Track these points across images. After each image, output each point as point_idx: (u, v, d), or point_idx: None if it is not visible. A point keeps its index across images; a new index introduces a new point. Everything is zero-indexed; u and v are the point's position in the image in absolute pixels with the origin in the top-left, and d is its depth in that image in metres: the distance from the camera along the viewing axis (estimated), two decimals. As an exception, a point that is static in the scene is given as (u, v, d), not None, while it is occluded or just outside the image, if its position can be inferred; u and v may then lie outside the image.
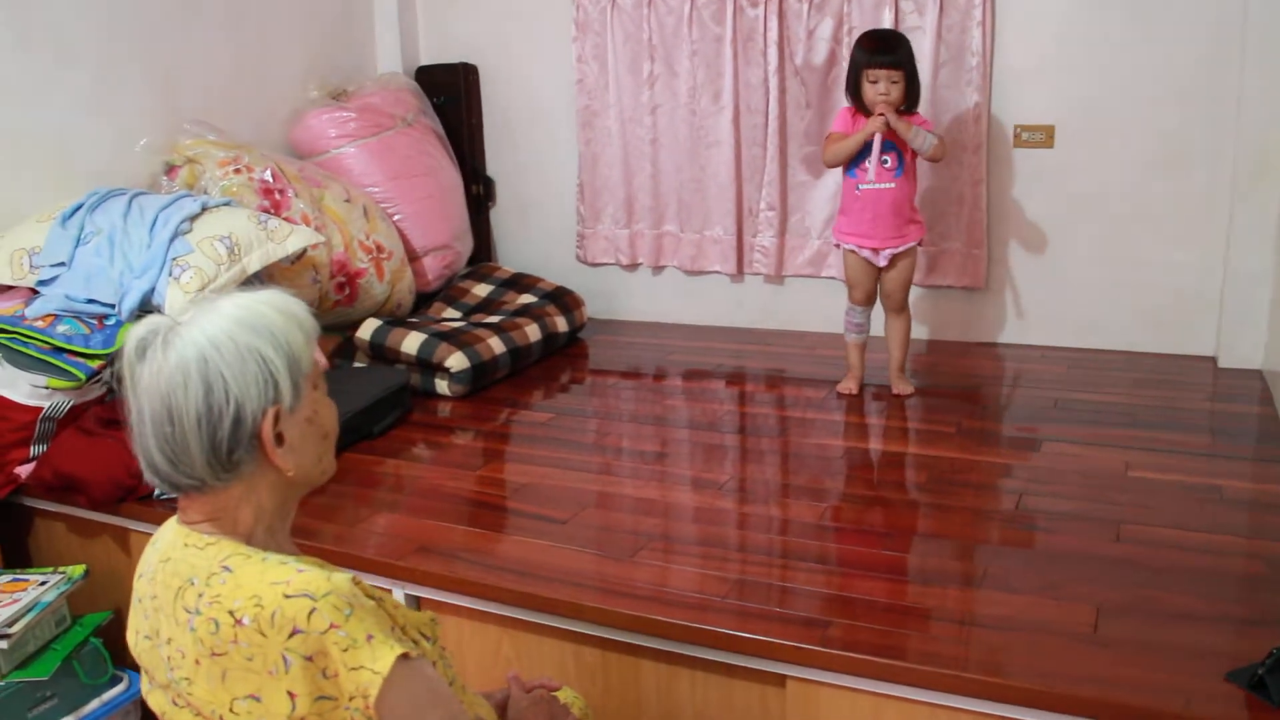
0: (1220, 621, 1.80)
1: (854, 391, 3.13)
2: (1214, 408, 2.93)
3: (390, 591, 2.16)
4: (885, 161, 2.94)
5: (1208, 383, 3.13)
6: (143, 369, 1.20)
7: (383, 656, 1.14)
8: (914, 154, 2.97)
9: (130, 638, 1.31)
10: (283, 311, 1.25)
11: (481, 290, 3.88)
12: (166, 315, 1.24)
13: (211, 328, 1.20)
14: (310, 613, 1.13)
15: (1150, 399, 2.98)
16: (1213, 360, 3.29)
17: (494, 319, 3.57)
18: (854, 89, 2.96)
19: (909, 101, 2.95)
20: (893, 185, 2.96)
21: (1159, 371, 3.23)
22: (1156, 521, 2.20)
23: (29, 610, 2.29)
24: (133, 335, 1.22)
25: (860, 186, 2.99)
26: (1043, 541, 2.15)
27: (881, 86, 2.88)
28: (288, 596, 1.14)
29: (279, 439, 1.23)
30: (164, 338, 1.20)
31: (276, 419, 1.22)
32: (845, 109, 3.04)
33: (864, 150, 2.94)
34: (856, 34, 3.45)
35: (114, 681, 2.30)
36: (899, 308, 3.09)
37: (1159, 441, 2.65)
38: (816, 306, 3.77)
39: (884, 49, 2.90)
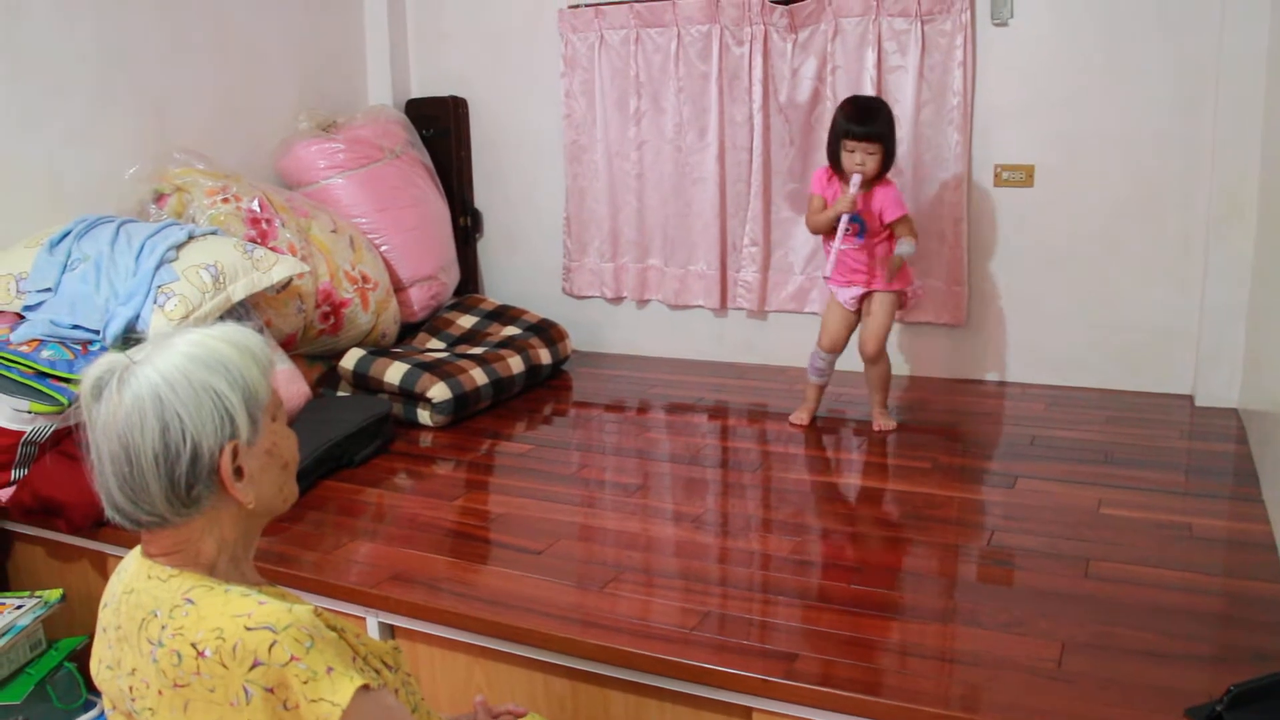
0: (1183, 659, 1.82)
1: (805, 423, 3.20)
2: (1189, 446, 2.96)
3: (364, 620, 2.17)
4: (847, 229, 2.98)
5: (1184, 421, 3.16)
6: (99, 409, 1.21)
7: (342, 688, 1.15)
8: (880, 221, 3.00)
9: (94, 666, 1.32)
10: (237, 346, 1.25)
11: (466, 321, 3.91)
12: (123, 354, 1.24)
13: (166, 366, 1.20)
14: (271, 645, 1.14)
15: (1126, 437, 3.00)
16: (1189, 398, 3.32)
17: (478, 350, 3.60)
18: (834, 152, 3.00)
19: (883, 168, 2.98)
20: (857, 247, 3.03)
21: (1136, 409, 3.26)
22: (1125, 559, 2.22)
23: (4, 634, 2.30)
24: (88, 375, 1.23)
25: (839, 246, 3.04)
26: (1012, 577, 2.17)
27: (858, 158, 2.92)
28: (249, 629, 1.15)
29: (238, 473, 1.24)
30: (119, 377, 1.21)
31: (235, 454, 1.23)
32: (822, 169, 3.08)
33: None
34: (839, 73, 3.53)
35: (87, 706, 2.31)
36: (874, 358, 3.12)
37: (1132, 479, 2.68)
38: (798, 342, 3.78)
39: (863, 119, 2.93)
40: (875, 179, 2.97)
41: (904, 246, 3.01)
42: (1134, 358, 3.42)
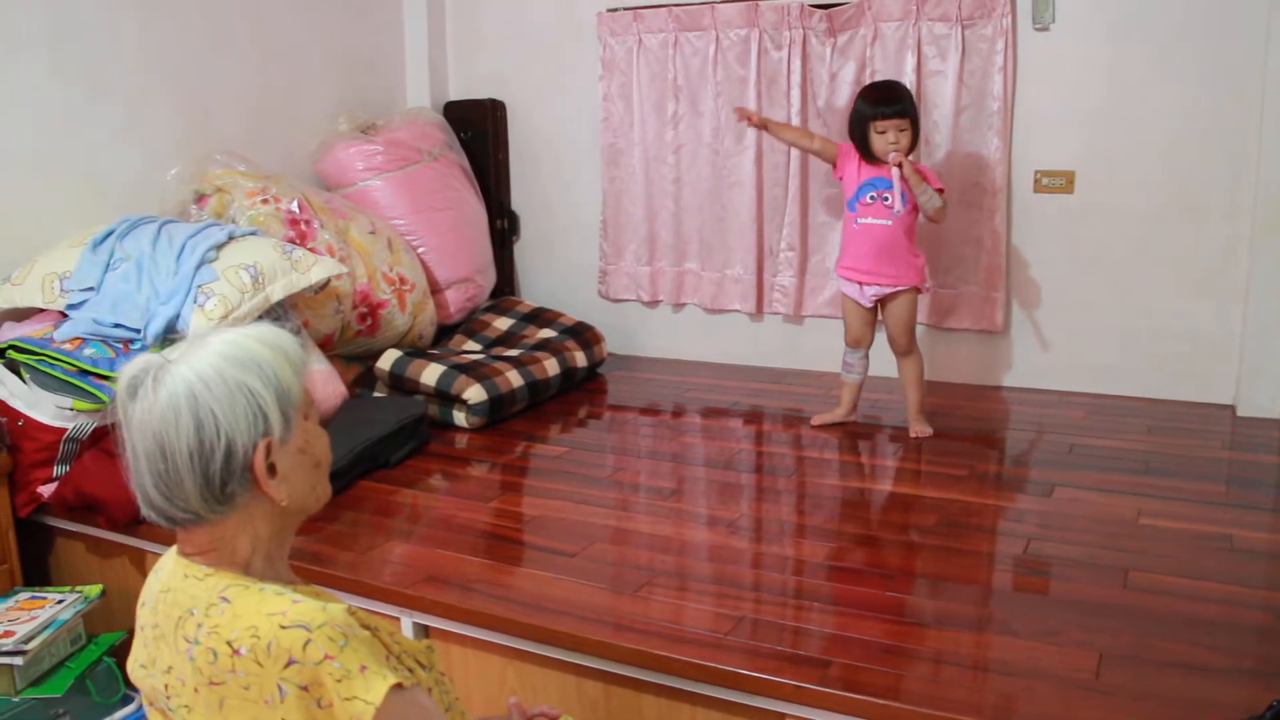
0: (1223, 672, 1.79)
1: (822, 424, 3.22)
2: (1230, 456, 2.91)
3: (398, 620, 2.18)
4: (886, 199, 2.99)
5: (1225, 431, 3.11)
6: (135, 407, 1.23)
7: (376, 687, 1.16)
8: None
9: (130, 664, 1.34)
10: (270, 345, 1.27)
11: (503, 324, 3.92)
12: (157, 353, 1.26)
13: (200, 364, 1.22)
14: (306, 643, 1.15)
15: (1166, 446, 2.97)
16: (1231, 409, 3.27)
17: (513, 352, 3.61)
18: (861, 140, 3.02)
19: (913, 144, 3.02)
20: (890, 222, 3.01)
21: (1176, 419, 3.21)
22: (1165, 570, 2.19)
23: (45, 628, 2.33)
24: (124, 374, 1.24)
25: (859, 220, 3.05)
26: (1049, 587, 2.15)
27: (890, 136, 2.95)
28: (284, 627, 1.16)
29: (271, 470, 1.25)
30: (154, 376, 1.22)
31: (268, 451, 1.24)
32: (847, 145, 3.09)
33: (864, 185, 3.02)
34: (878, 77, 3.50)
35: (125, 701, 2.33)
36: (905, 351, 3.12)
37: (1172, 489, 2.64)
38: (834, 347, 3.72)
39: (889, 99, 2.98)
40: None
41: (934, 196, 3.00)
42: (1175, 366, 3.37)
